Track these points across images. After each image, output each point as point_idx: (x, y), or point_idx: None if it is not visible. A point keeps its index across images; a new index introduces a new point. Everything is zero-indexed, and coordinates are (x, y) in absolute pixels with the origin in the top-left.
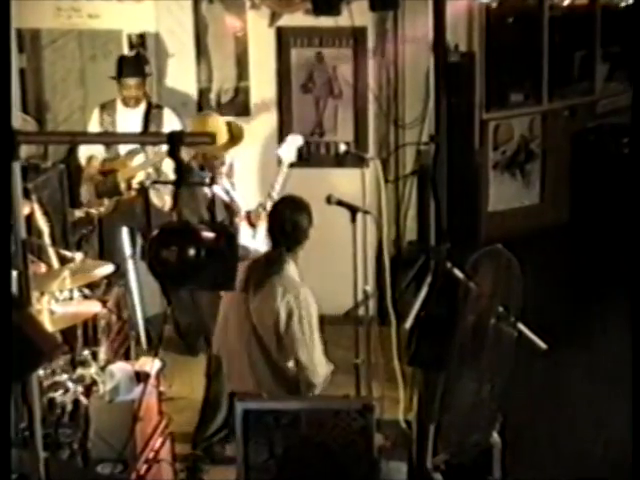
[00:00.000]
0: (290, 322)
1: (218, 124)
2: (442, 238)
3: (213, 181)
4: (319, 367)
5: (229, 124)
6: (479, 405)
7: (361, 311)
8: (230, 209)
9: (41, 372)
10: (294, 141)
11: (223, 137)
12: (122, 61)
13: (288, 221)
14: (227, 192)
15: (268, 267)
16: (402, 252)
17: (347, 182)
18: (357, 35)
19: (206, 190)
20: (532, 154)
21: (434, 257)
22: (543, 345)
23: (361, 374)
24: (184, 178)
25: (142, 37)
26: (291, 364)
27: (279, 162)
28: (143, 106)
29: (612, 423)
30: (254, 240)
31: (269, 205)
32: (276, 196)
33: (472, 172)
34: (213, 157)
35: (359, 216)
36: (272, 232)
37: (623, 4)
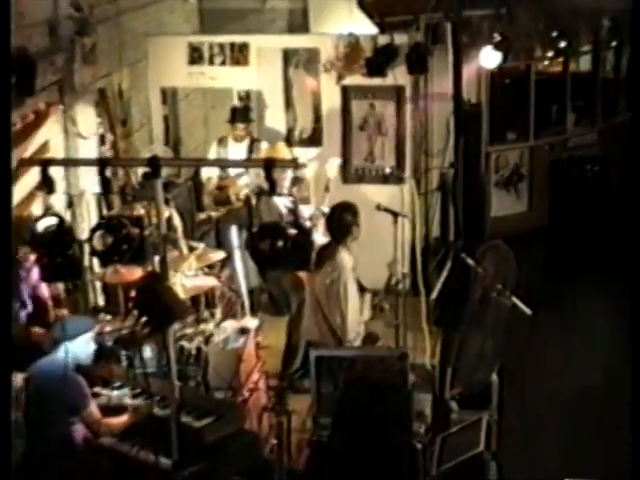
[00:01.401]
0: (331, 293)
1: (283, 150)
2: (458, 235)
3: (273, 192)
4: (351, 327)
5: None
6: (483, 354)
7: (400, 286)
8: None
9: (175, 326)
10: (334, 162)
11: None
12: (234, 110)
13: (338, 220)
14: (291, 200)
15: (324, 254)
16: (429, 245)
17: (390, 195)
18: (398, 91)
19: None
20: (522, 176)
21: (452, 249)
22: (529, 311)
23: (400, 331)
24: (275, 191)
25: (247, 93)
26: (338, 321)
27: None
28: (247, 141)
29: (579, 366)
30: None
31: (326, 209)
32: (327, 204)
33: (480, 188)
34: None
35: (399, 219)
36: (328, 228)
37: (589, 71)
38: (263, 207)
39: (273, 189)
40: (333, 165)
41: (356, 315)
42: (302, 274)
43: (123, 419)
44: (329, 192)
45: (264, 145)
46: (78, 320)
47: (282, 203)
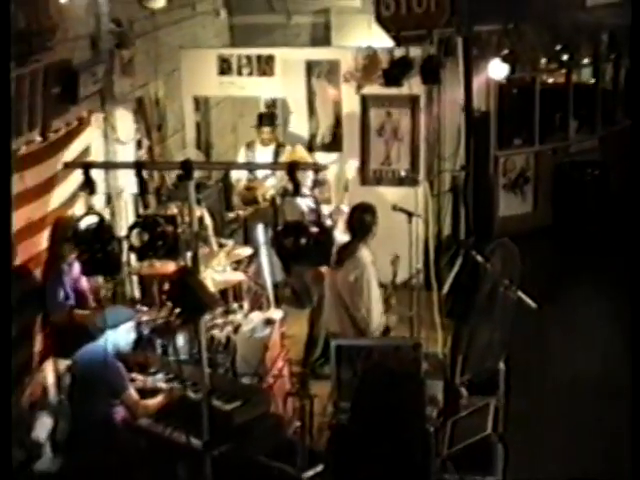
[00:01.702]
0: (355, 287)
1: (302, 152)
2: (469, 234)
3: (297, 193)
4: (375, 319)
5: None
6: (491, 344)
7: (414, 281)
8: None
9: (206, 317)
10: (354, 164)
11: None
12: (261, 116)
13: (358, 220)
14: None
15: (346, 251)
16: (441, 243)
17: (405, 196)
18: (413, 100)
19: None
20: (527, 179)
21: (463, 246)
22: (534, 305)
23: (414, 322)
24: (299, 192)
25: (273, 101)
26: (362, 314)
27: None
28: (273, 145)
29: (579, 355)
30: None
31: (345, 207)
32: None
33: (488, 190)
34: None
35: (413, 218)
36: (349, 228)
37: (590, 81)
38: (287, 207)
39: (297, 190)
40: (352, 167)
41: (379, 307)
42: (324, 270)
43: (158, 400)
44: (348, 192)
45: (289, 150)
46: (119, 310)
47: (304, 203)
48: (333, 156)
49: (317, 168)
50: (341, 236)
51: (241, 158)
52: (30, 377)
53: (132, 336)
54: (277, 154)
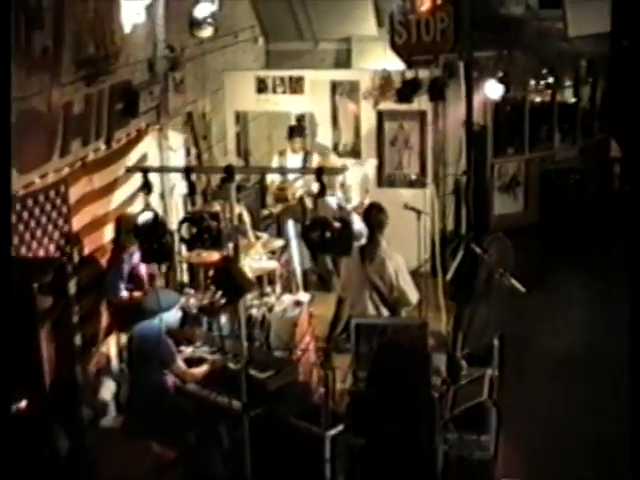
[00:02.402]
0: (397, 273)
1: (334, 160)
2: (469, 229)
3: (323, 194)
4: (411, 294)
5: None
6: (487, 323)
7: (422, 269)
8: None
9: (245, 299)
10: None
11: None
12: (292, 129)
13: (374, 217)
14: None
15: (371, 247)
16: (446, 237)
17: (415, 197)
18: (422, 114)
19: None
20: (519, 183)
21: (464, 240)
22: (523, 289)
23: (422, 304)
24: (325, 193)
25: (302, 115)
26: (396, 295)
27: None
28: (302, 153)
29: (562, 332)
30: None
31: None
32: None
33: (486, 192)
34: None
35: (422, 216)
36: (366, 225)
37: (571, 100)
38: (320, 205)
39: (323, 191)
40: (371, 172)
41: (411, 283)
42: (355, 263)
43: (203, 369)
44: (368, 192)
45: (315, 157)
46: (169, 294)
47: (334, 202)
48: (353, 162)
49: (337, 172)
50: (359, 224)
51: (274, 164)
52: (97, 348)
53: (179, 315)
54: (305, 160)
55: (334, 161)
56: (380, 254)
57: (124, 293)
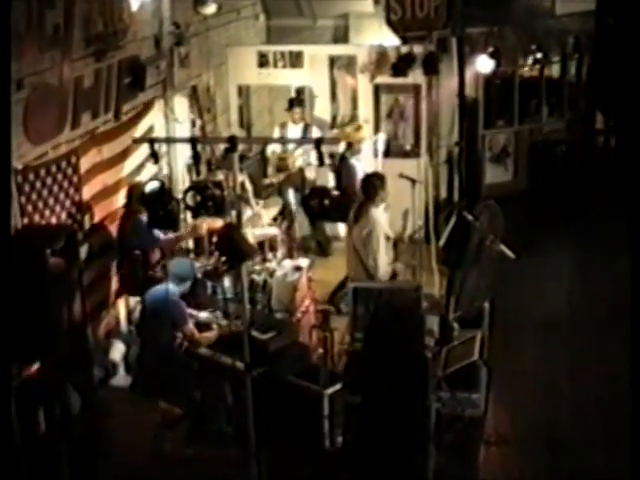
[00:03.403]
0: (366, 241)
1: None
2: (461, 197)
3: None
4: (382, 268)
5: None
6: (478, 287)
7: (416, 236)
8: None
9: (249, 263)
10: (382, 136)
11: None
12: (291, 100)
13: (368, 185)
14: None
15: (360, 211)
16: (439, 204)
17: (410, 166)
18: (416, 88)
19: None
20: (509, 153)
21: (456, 207)
22: (513, 255)
23: (416, 269)
24: (323, 162)
25: (302, 88)
26: (371, 263)
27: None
28: (302, 124)
29: (548, 294)
30: None
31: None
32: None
33: (477, 162)
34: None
35: (416, 184)
36: (362, 191)
37: (559, 75)
38: (344, 169)
39: (321, 161)
40: (380, 139)
41: (385, 259)
42: (349, 227)
43: (215, 333)
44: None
45: (315, 129)
46: (184, 262)
47: (359, 166)
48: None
49: (334, 141)
50: None
51: (275, 135)
52: (107, 311)
53: (190, 282)
54: (305, 131)
55: (362, 128)
56: (367, 222)
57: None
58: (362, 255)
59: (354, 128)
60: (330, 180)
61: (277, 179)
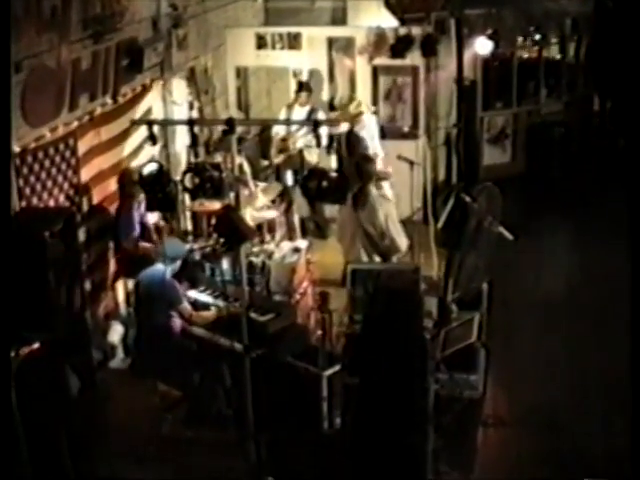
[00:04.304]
0: (387, 221)
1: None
2: (459, 179)
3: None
4: (400, 240)
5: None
6: (477, 268)
7: (415, 217)
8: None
9: (248, 245)
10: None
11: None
12: (301, 84)
13: (361, 168)
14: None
15: (360, 195)
16: (437, 186)
17: (408, 148)
18: (414, 69)
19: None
20: (507, 135)
21: (454, 189)
22: (511, 236)
23: (415, 251)
24: (320, 143)
25: (300, 71)
26: (387, 242)
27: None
28: (308, 107)
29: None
30: None
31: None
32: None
33: (475, 144)
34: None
35: (414, 166)
36: (357, 174)
37: (557, 57)
38: (354, 141)
39: (319, 143)
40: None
41: (402, 232)
42: (349, 211)
43: (212, 313)
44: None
45: (321, 113)
46: (177, 244)
47: (367, 136)
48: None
49: (333, 123)
50: None
51: (282, 115)
52: (105, 293)
53: (179, 261)
54: (311, 114)
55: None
56: (371, 202)
57: (133, 239)
58: (376, 239)
59: (355, 105)
60: (332, 163)
61: (278, 160)
